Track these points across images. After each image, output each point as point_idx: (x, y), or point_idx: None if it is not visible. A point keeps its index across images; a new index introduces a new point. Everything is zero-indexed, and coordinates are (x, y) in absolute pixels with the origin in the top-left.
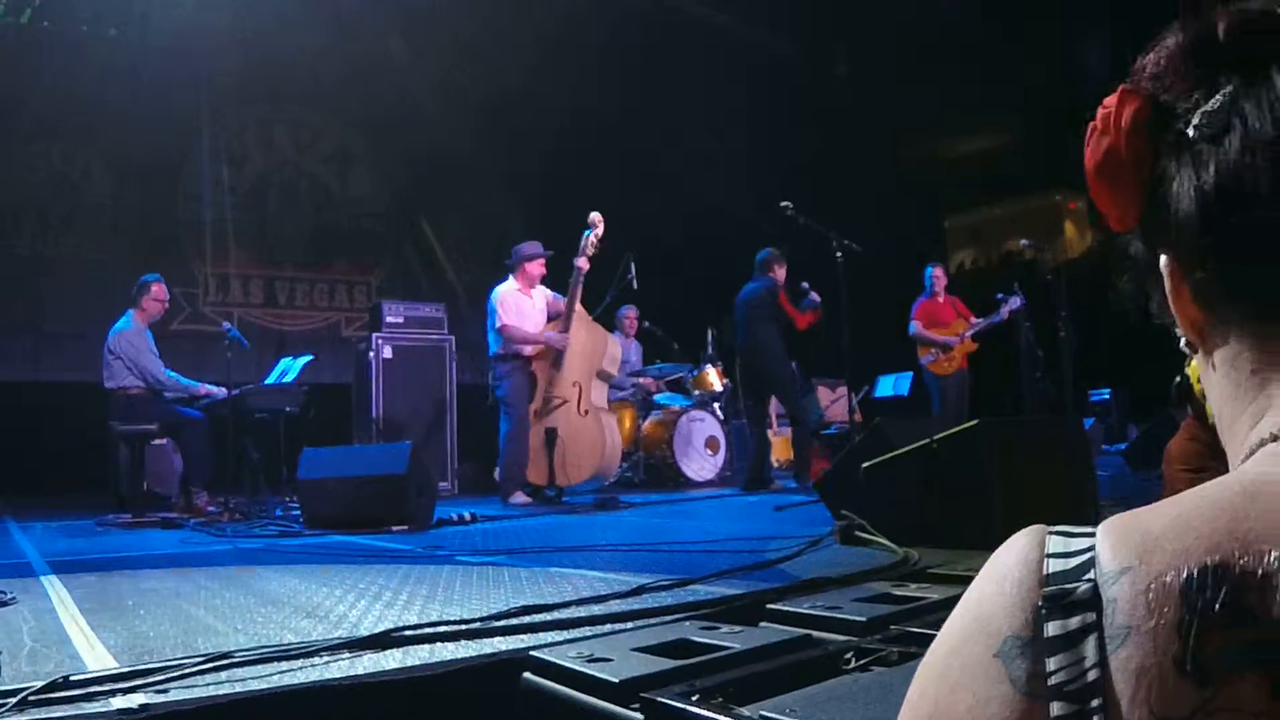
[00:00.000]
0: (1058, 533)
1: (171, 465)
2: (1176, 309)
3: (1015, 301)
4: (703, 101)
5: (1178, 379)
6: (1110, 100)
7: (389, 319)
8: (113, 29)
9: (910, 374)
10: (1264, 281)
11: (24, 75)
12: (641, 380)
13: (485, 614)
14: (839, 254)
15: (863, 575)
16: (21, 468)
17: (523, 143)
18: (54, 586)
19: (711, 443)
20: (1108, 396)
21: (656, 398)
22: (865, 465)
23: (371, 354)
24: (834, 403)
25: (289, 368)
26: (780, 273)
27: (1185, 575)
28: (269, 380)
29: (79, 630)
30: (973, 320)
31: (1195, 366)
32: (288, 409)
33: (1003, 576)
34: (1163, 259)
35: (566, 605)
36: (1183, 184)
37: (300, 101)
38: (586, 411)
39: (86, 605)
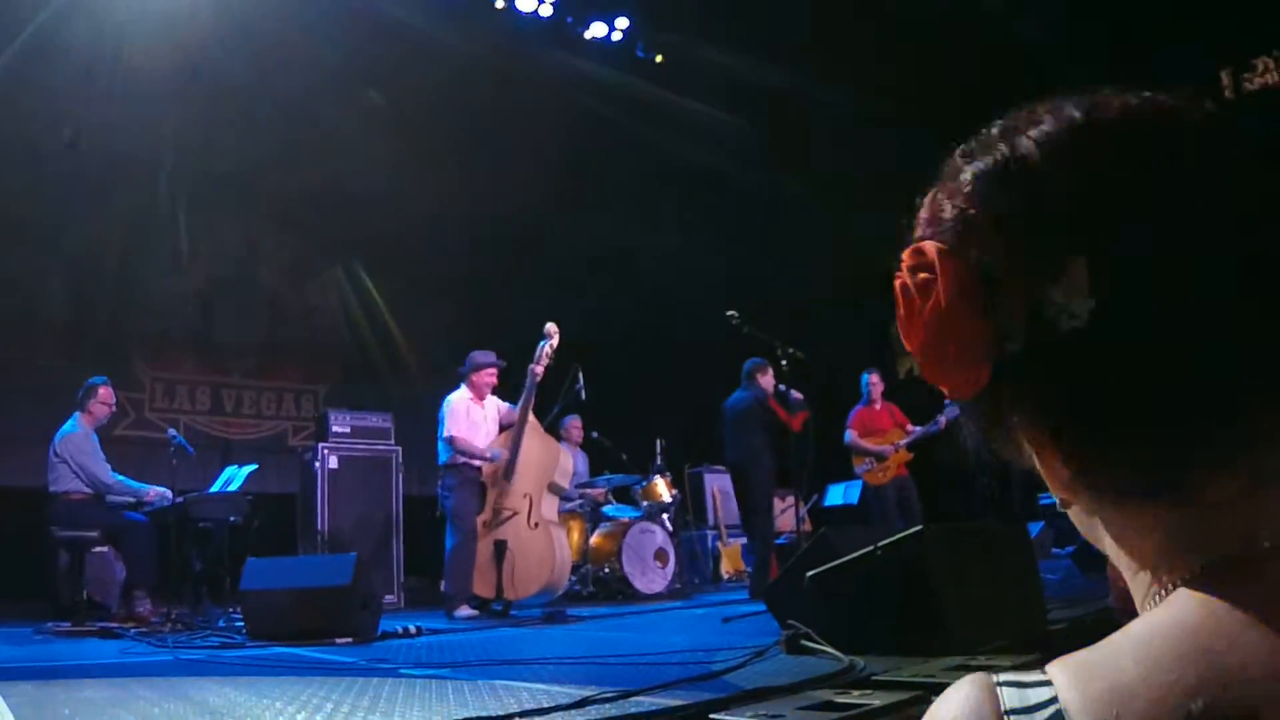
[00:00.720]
0: (1008, 683)
1: (113, 573)
2: (1049, 471)
3: (953, 410)
4: (651, 210)
5: None
6: (909, 261)
7: (335, 428)
8: (68, 130)
9: (860, 482)
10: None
11: None
12: (590, 491)
13: None
14: (784, 362)
15: (806, 684)
16: None
17: (476, 252)
18: None
19: (660, 555)
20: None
21: (605, 509)
22: (810, 574)
23: (317, 464)
24: (783, 512)
25: (234, 476)
26: (767, 381)
27: None
28: (213, 489)
29: None
30: (910, 428)
31: None
32: (232, 518)
33: None
34: (1018, 418)
35: (509, 718)
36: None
37: (260, 213)
38: (537, 524)
39: (23, 714)
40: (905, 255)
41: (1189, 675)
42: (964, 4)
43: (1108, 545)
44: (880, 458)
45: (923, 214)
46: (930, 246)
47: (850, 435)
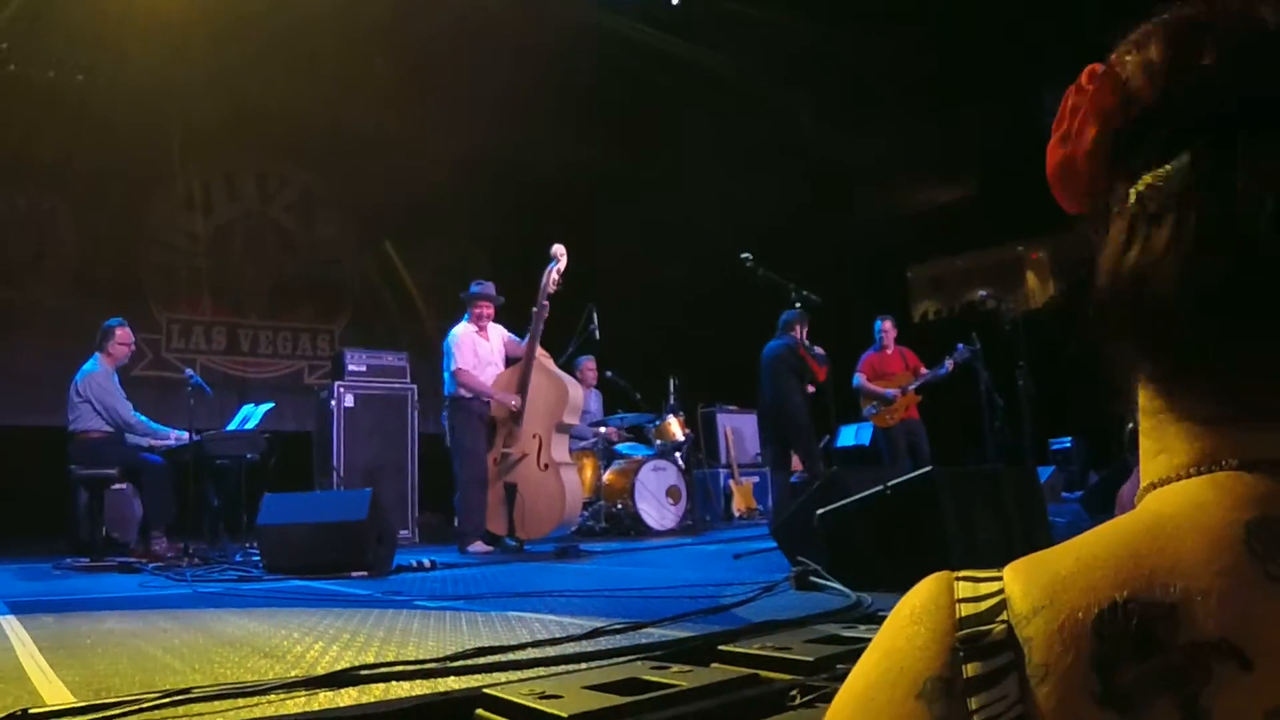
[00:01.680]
0: (964, 578)
1: (131, 510)
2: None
3: (961, 353)
4: (667, 152)
5: (1130, 424)
6: (1085, 84)
7: (351, 367)
8: (80, 75)
9: (871, 424)
10: (1158, 347)
11: None
12: (603, 430)
13: (441, 655)
14: (797, 305)
15: (814, 618)
16: None
17: (489, 190)
18: (12, 626)
19: (673, 492)
20: (1069, 445)
21: (618, 447)
22: (820, 512)
23: (333, 402)
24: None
25: (251, 414)
26: (802, 331)
27: (1096, 612)
28: (231, 427)
29: (37, 668)
30: (921, 372)
31: None
32: (249, 456)
33: (915, 620)
34: None
35: (522, 647)
36: (1111, 243)
37: (267, 149)
38: (547, 465)
39: (44, 644)
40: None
41: (1119, 571)
42: None
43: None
44: (885, 401)
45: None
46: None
47: (859, 379)
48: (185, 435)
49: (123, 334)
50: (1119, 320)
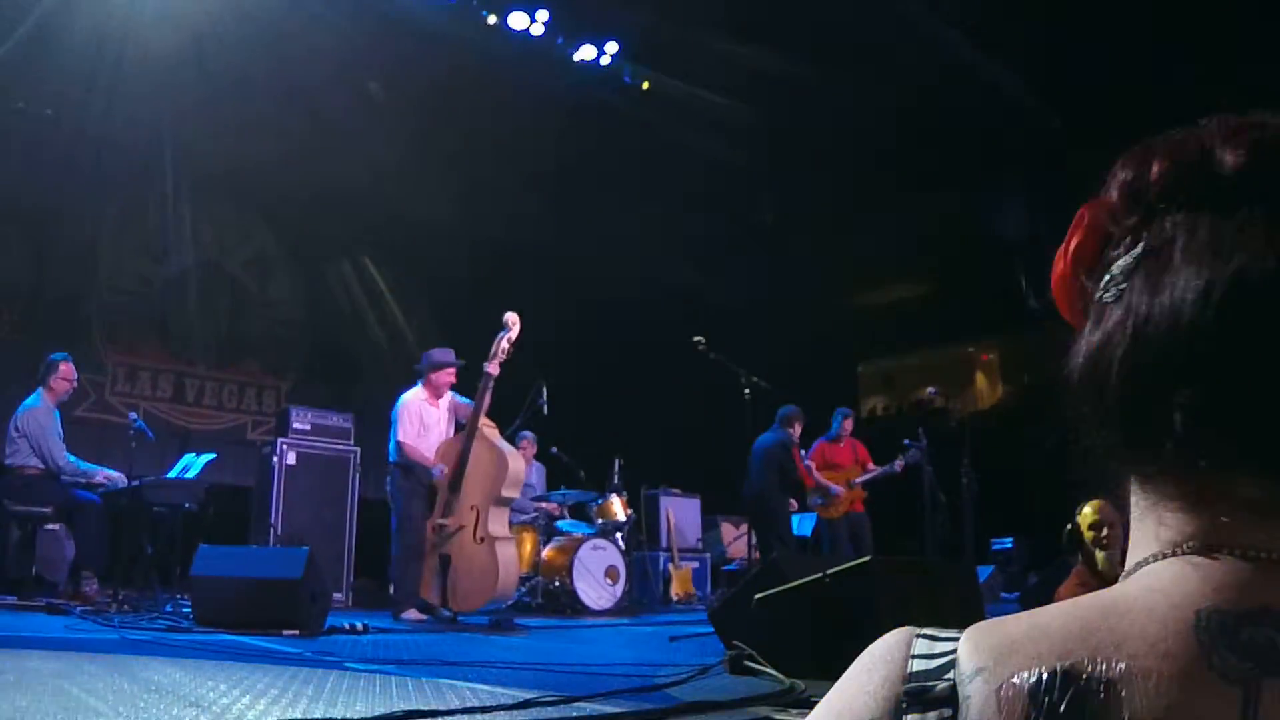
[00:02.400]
0: (924, 635)
1: (62, 551)
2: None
3: (913, 454)
4: (626, 232)
5: (1068, 526)
6: (1081, 213)
7: (296, 425)
8: (49, 110)
9: (815, 514)
10: (1130, 438)
11: None
12: (545, 505)
13: (370, 718)
14: (747, 391)
15: (747, 701)
16: None
17: (443, 257)
18: None
19: (611, 572)
20: (1010, 545)
21: (559, 524)
22: (758, 596)
23: (275, 458)
24: (736, 539)
25: (191, 464)
26: (797, 429)
27: (1035, 677)
28: (171, 474)
29: None
30: (869, 467)
31: (1085, 515)
32: (187, 505)
33: (870, 669)
34: None
35: (452, 714)
36: (1081, 334)
37: (229, 202)
38: (483, 539)
39: None
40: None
41: (1066, 641)
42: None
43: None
44: (827, 493)
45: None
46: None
47: (808, 466)
48: (116, 475)
49: (66, 369)
50: (1082, 403)
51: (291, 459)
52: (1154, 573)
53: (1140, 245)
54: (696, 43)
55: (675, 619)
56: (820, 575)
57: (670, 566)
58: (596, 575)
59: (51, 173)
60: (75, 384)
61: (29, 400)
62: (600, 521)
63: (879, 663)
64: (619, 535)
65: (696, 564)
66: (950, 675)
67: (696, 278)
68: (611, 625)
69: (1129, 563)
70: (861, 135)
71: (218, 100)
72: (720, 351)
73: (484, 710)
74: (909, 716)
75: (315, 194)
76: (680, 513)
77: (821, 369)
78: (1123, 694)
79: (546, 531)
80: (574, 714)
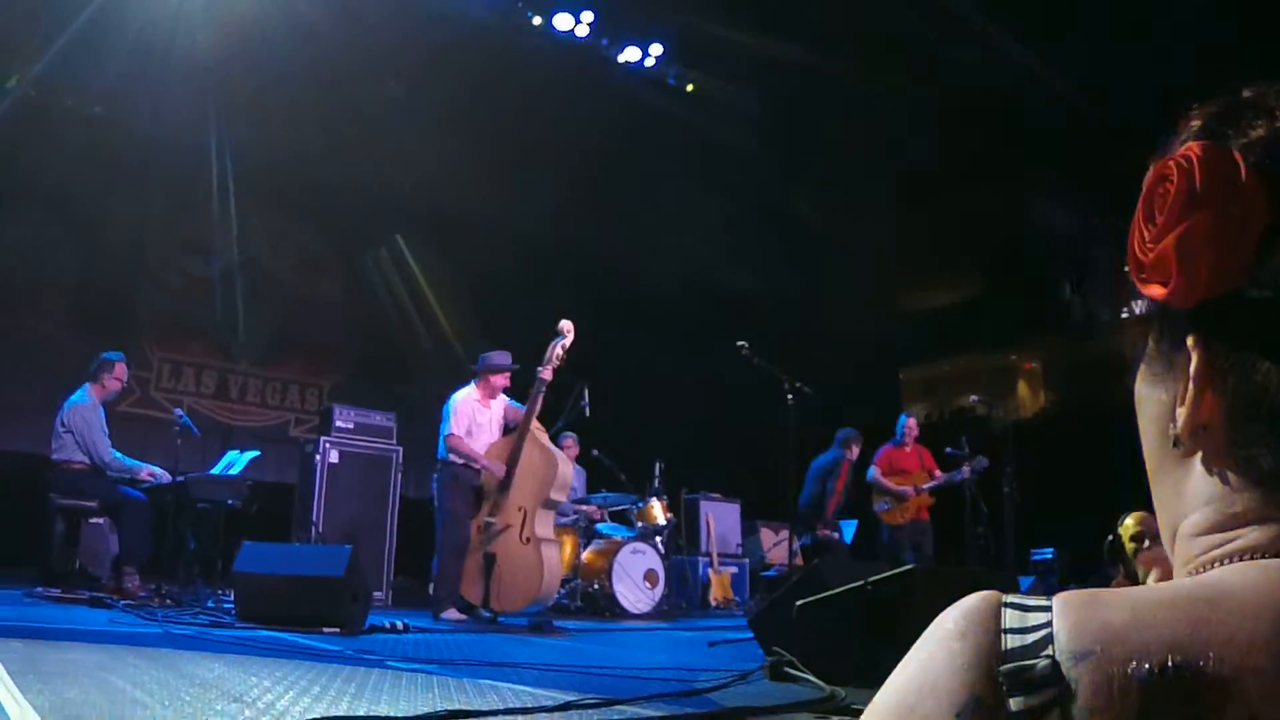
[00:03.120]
0: (1012, 604)
1: (106, 545)
2: (1189, 405)
3: (981, 462)
4: (671, 233)
5: (1110, 537)
6: (1227, 167)
7: (339, 423)
8: (97, 107)
9: (855, 521)
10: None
11: (8, 141)
12: (585, 508)
13: (412, 716)
14: (790, 396)
15: (787, 708)
16: None
17: (492, 260)
18: None
19: (650, 576)
20: (1050, 555)
21: (599, 526)
22: (799, 603)
23: (318, 457)
24: (776, 545)
25: (235, 460)
26: (854, 451)
27: (1147, 669)
28: (215, 471)
29: (7, 692)
30: (936, 474)
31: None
32: (230, 501)
33: (959, 635)
34: (1195, 348)
35: (494, 714)
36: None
37: (275, 201)
38: (529, 539)
39: (13, 669)
40: (1199, 147)
41: (1176, 634)
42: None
43: (1182, 499)
44: (900, 499)
45: (1212, 118)
46: (1240, 156)
47: (874, 472)
48: (159, 471)
49: (120, 369)
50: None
51: (334, 457)
52: (1265, 569)
53: None
54: (739, 42)
55: (714, 624)
56: (862, 583)
57: (710, 571)
58: (636, 579)
59: (99, 171)
60: (124, 384)
61: (75, 396)
62: (640, 525)
63: (968, 630)
64: (659, 539)
65: (736, 569)
66: (1049, 651)
67: (739, 281)
68: (650, 629)
69: (1213, 548)
70: (904, 137)
71: (263, 98)
72: (763, 356)
73: (525, 712)
74: (1013, 699)
75: (361, 193)
76: (720, 517)
77: (863, 376)
78: (1235, 692)
79: (586, 534)
80: (615, 717)
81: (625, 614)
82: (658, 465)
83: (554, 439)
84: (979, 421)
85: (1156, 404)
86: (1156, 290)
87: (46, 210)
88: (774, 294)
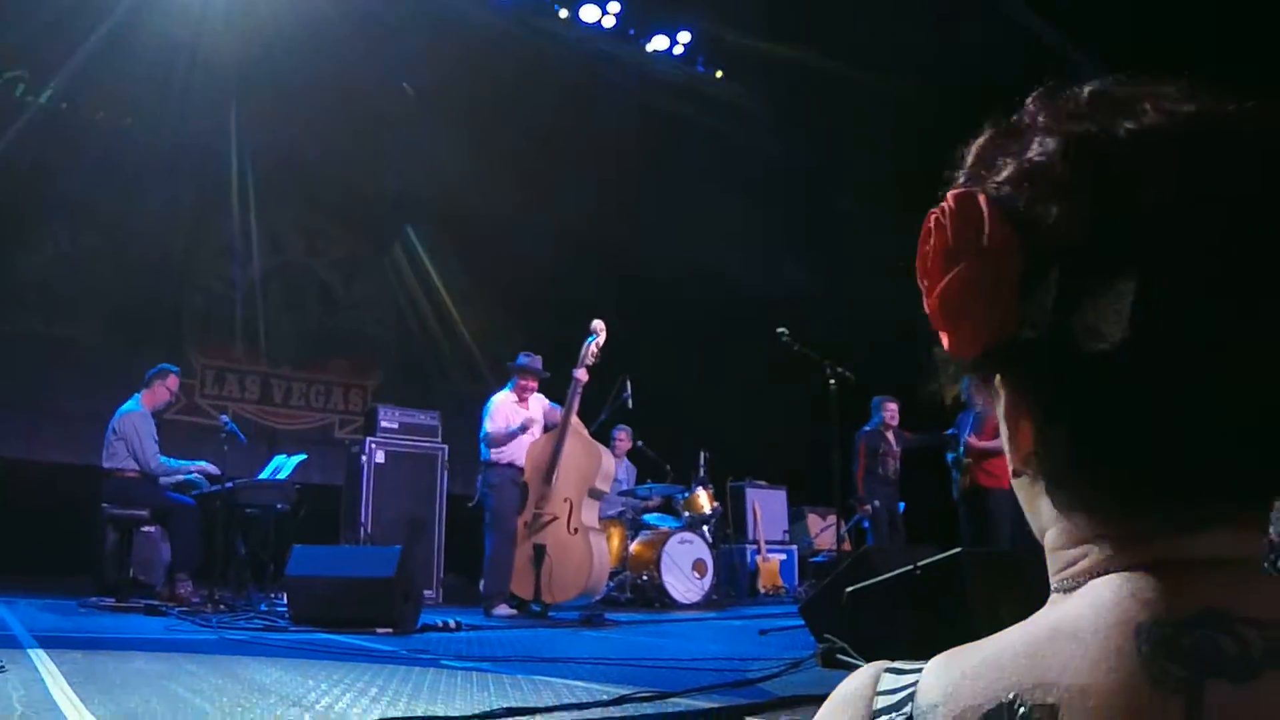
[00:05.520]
0: (891, 669)
1: (158, 553)
2: (1012, 439)
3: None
4: (707, 222)
5: None
6: (975, 214)
7: (384, 424)
8: (128, 119)
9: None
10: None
11: (43, 153)
12: (632, 499)
13: (470, 715)
14: (832, 381)
15: None
16: (5, 543)
17: (529, 258)
18: (41, 660)
19: (699, 565)
20: None
21: (646, 517)
22: (849, 589)
23: (364, 458)
24: (823, 530)
25: (283, 465)
26: (885, 412)
27: (986, 710)
28: (262, 476)
29: (69, 702)
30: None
31: None
32: (279, 506)
33: (839, 708)
34: (1001, 387)
35: (550, 710)
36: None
37: (311, 204)
38: (576, 530)
39: (74, 679)
40: (952, 196)
41: (1015, 671)
42: None
43: (1040, 518)
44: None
45: (974, 157)
46: (984, 199)
47: (967, 439)
48: (209, 466)
49: (173, 380)
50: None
51: (380, 458)
52: (1093, 590)
53: None
54: (771, 33)
55: (764, 612)
56: (911, 568)
57: (758, 559)
58: (684, 569)
59: (132, 180)
60: (176, 398)
61: (127, 404)
62: (687, 515)
63: (846, 702)
64: (706, 528)
65: (784, 556)
66: (908, 709)
67: (774, 267)
68: (700, 619)
69: (1058, 572)
70: (937, 121)
71: (290, 103)
72: (801, 340)
73: (580, 706)
74: None
75: (392, 193)
76: (766, 505)
77: (902, 357)
78: (1067, 715)
79: (633, 526)
80: (669, 709)
81: (675, 604)
82: (702, 455)
83: (600, 433)
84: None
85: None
86: (945, 344)
87: (81, 221)
88: (811, 281)
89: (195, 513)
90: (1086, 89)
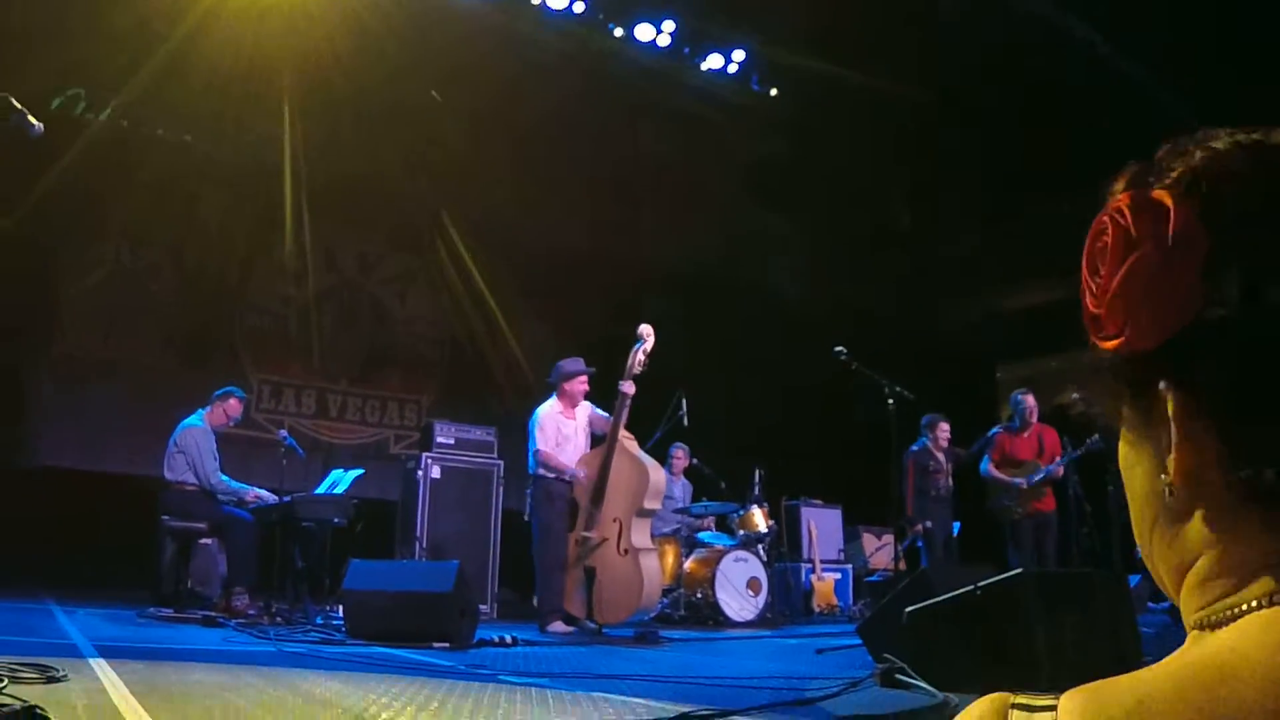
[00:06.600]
0: (1019, 705)
1: (215, 566)
2: (1176, 449)
3: (1094, 442)
4: (761, 238)
5: None
6: (1154, 205)
7: (440, 439)
8: (187, 135)
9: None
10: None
11: (103, 170)
12: (686, 517)
13: None
14: (890, 401)
15: (901, 716)
16: (66, 552)
17: (580, 272)
18: (103, 670)
19: (754, 584)
20: None
21: (700, 535)
22: (909, 609)
23: (420, 473)
24: (878, 550)
25: (340, 479)
26: (935, 431)
27: None
28: (319, 490)
29: (132, 712)
30: (1056, 460)
31: None
32: (336, 520)
33: None
34: (1169, 390)
35: None
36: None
37: (369, 225)
38: (626, 551)
39: (137, 689)
40: (1126, 197)
41: (1182, 713)
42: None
43: (1183, 545)
44: (1013, 492)
45: (1131, 173)
46: (1164, 192)
47: (986, 464)
48: (266, 494)
49: (236, 405)
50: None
51: (436, 473)
52: (1266, 625)
53: None
54: (824, 50)
55: (819, 631)
56: (971, 588)
57: (812, 578)
58: (739, 587)
59: (189, 197)
60: (237, 421)
61: (190, 419)
62: (742, 533)
63: None
64: (761, 547)
65: (839, 575)
66: None
67: (832, 283)
68: (755, 637)
69: (1224, 597)
70: (992, 134)
71: (341, 121)
72: (859, 358)
73: None
74: None
75: (450, 213)
76: (822, 523)
77: (961, 374)
78: None
79: (688, 543)
80: None
81: (729, 622)
82: (757, 472)
83: (655, 451)
84: (1079, 418)
85: (1142, 461)
86: (1116, 342)
87: (141, 237)
88: (867, 296)
89: (253, 528)
90: (1223, 130)
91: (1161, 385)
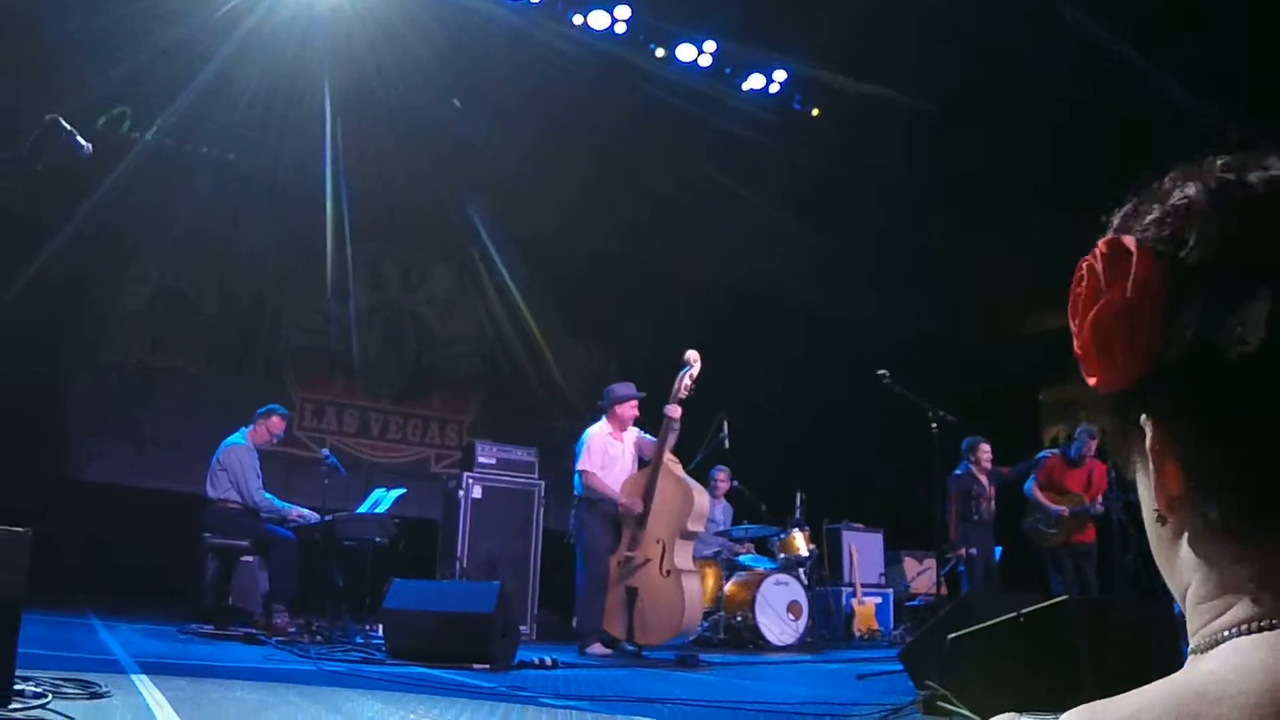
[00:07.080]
0: None
1: (256, 583)
2: (1154, 479)
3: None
4: (803, 264)
5: None
6: (1122, 250)
7: (481, 459)
8: (231, 154)
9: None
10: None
11: (150, 187)
12: (727, 540)
13: None
14: (934, 425)
15: None
16: (108, 567)
17: (626, 295)
18: (146, 686)
19: (794, 607)
20: None
21: (741, 558)
22: (951, 636)
23: (461, 492)
24: (920, 574)
25: (381, 499)
26: (977, 454)
27: None
28: (361, 509)
29: None
30: (1098, 501)
31: None
32: (377, 539)
33: None
34: (1146, 424)
35: None
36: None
37: (413, 242)
38: (669, 572)
39: (180, 706)
40: (1102, 243)
41: None
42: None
43: (1180, 571)
44: (1051, 519)
45: (1120, 218)
46: (1130, 240)
47: (1031, 484)
48: (308, 513)
49: (278, 423)
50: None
51: (477, 493)
52: (1242, 650)
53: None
54: (866, 70)
55: (859, 656)
56: (1015, 615)
57: (854, 602)
58: (779, 610)
59: (234, 214)
60: (278, 439)
61: (233, 437)
62: (783, 556)
63: None
64: (801, 570)
65: (880, 599)
66: None
67: (871, 307)
68: (795, 662)
69: (1211, 621)
70: (1027, 154)
71: (384, 140)
72: (902, 381)
73: None
74: None
75: (492, 231)
76: (863, 547)
77: (1002, 398)
78: None
79: (729, 566)
80: None
81: (769, 646)
82: (798, 496)
83: (698, 473)
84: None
85: (1143, 488)
86: (1093, 381)
87: (186, 254)
88: (907, 319)
89: (295, 546)
90: (1218, 159)
91: (1141, 419)
